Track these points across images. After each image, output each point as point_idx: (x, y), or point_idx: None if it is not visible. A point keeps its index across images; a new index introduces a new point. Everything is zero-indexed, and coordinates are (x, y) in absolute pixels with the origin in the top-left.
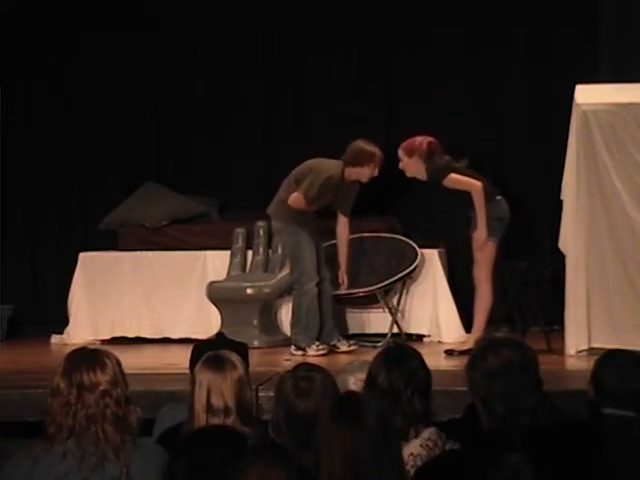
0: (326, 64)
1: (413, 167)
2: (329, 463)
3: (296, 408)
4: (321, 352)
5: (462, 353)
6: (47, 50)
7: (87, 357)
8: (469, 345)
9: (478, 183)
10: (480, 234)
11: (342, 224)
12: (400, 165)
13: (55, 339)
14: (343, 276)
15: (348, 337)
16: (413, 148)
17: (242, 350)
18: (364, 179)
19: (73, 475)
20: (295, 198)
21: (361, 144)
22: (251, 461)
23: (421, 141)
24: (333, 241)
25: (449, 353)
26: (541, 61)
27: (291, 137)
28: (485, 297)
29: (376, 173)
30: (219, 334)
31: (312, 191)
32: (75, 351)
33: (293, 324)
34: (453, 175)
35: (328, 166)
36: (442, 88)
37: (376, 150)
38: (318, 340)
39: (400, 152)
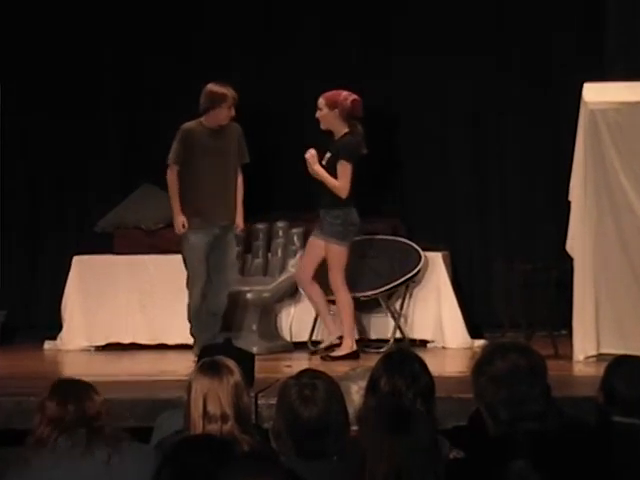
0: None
1: (330, 120)
2: (374, 466)
3: (300, 416)
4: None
5: (336, 359)
6: (47, 50)
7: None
8: (344, 351)
9: (348, 188)
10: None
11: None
12: (317, 114)
13: (49, 345)
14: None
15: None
16: (336, 101)
17: (249, 359)
18: (223, 122)
19: (64, 465)
20: (168, 173)
21: (210, 86)
22: (241, 469)
23: (346, 96)
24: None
25: (323, 358)
26: (549, 59)
27: (291, 137)
28: (347, 302)
29: (233, 113)
30: (227, 339)
31: (177, 152)
32: (59, 383)
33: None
34: (347, 165)
35: (186, 124)
36: (444, 87)
37: (227, 90)
38: None
39: (321, 101)
